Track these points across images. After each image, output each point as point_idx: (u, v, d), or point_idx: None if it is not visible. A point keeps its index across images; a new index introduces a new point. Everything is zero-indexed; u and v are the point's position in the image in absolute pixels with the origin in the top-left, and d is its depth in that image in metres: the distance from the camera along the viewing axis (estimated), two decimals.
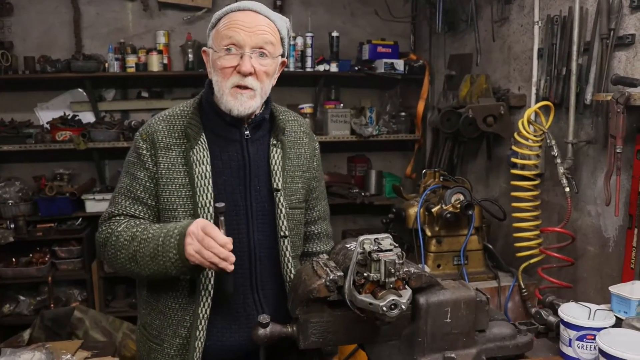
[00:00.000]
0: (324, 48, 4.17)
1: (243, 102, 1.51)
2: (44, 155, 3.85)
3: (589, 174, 2.59)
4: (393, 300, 1.14)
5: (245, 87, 1.50)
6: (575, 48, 2.55)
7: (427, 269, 2.62)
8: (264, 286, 1.60)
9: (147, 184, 1.55)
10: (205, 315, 1.52)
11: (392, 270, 1.15)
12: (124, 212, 1.55)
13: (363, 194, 4.11)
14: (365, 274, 1.17)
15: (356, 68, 4.12)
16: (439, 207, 2.70)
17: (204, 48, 1.60)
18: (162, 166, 1.54)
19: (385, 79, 4.11)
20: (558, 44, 2.70)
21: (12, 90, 3.90)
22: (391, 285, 1.16)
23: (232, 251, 1.39)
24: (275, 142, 1.63)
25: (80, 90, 4.01)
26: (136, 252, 1.45)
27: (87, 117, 3.97)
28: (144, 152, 1.55)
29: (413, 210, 2.77)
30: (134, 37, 4.02)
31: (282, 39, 1.58)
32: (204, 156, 1.53)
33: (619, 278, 2.34)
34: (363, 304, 1.17)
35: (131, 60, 3.81)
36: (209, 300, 1.52)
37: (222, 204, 1.41)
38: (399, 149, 4.57)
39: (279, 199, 1.58)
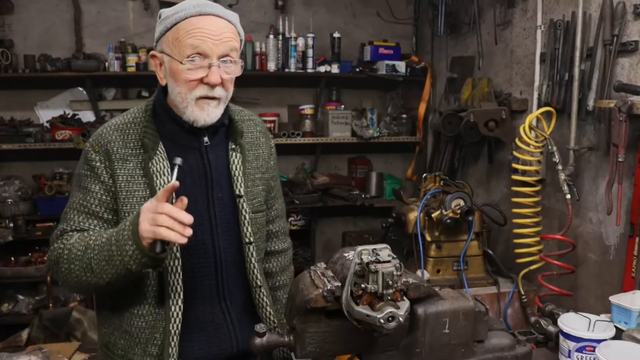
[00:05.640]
0: (325, 49, 4.16)
1: (210, 112, 1.44)
2: (43, 154, 3.84)
3: (591, 180, 2.58)
4: (390, 312, 1.12)
5: (213, 98, 1.44)
6: (577, 53, 2.53)
7: (426, 274, 2.61)
8: (231, 294, 1.56)
9: (103, 197, 1.45)
10: (177, 331, 1.46)
11: (390, 281, 1.13)
12: (77, 228, 1.45)
13: (363, 195, 4.11)
14: (362, 285, 1.15)
15: (357, 69, 4.11)
16: (439, 212, 2.68)
17: (153, 52, 1.48)
18: (120, 179, 1.45)
19: (386, 80, 4.10)
20: (561, 48, 2.69)
21: (12, 89, 3.89)
22: (389, 297, 1.14)
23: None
24: (234, 146, 1.57)
25: (80, 89, 4.01)
26: (91, 260, 1.36)
27: (87, 116, 3.96)
28: (98, 164, 1.45)
29: (413, 215, 2.75)
30: (134, 36, 4.01)
31: (241, 40, 1.51)
32: (164, 167, 1.46)
33: (620, 287, 2.33)
34: (360, 316, 1.15)
35: (132, 59, 3.80)
36: (180, 316, 1.46)
37: (179, 159, 1.35)
38: (400, 151, 4.56)
39: (242, 205, 1.54)
